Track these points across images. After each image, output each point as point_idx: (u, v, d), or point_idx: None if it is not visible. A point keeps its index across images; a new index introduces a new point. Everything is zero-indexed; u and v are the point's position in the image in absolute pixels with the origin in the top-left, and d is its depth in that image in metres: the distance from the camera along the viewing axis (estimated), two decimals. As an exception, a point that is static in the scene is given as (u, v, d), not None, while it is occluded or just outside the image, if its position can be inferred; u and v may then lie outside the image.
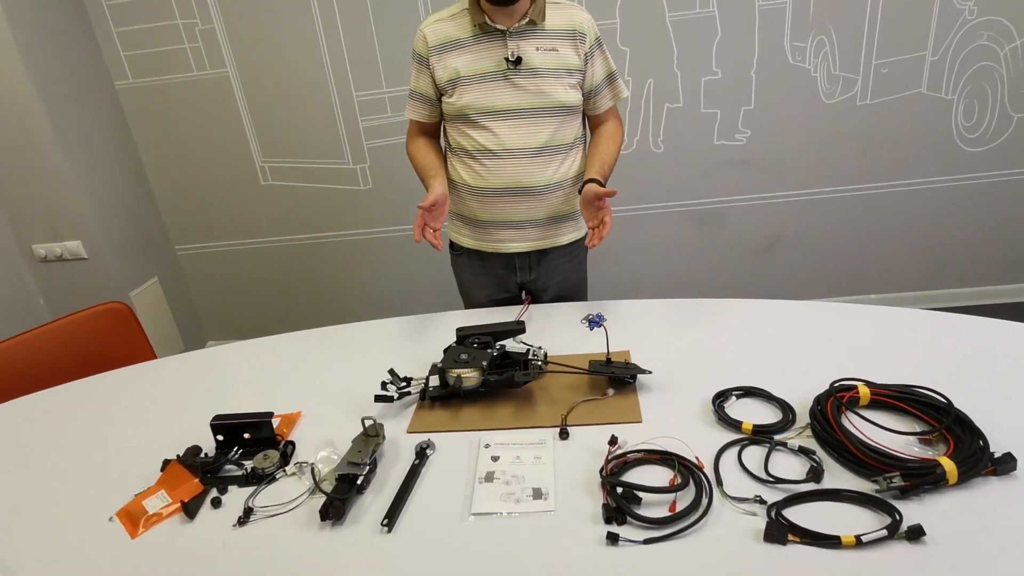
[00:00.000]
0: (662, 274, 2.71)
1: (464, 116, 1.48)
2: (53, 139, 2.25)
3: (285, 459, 1.09)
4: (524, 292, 1.73)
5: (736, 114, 2.41)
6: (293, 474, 1.06)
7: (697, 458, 0.98)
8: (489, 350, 1.22)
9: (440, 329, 1.49)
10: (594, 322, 1.13)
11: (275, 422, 1.17)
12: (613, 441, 1.01)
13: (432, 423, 1.15)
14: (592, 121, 1.60)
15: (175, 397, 1.35)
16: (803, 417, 1.05)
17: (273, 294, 2.91)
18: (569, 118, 1.50)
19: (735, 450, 1.00)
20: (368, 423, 1.08)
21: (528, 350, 1.25)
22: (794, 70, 2.32)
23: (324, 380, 1.34)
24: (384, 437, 1.08)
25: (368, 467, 1.01)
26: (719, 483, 0.93)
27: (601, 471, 0.96)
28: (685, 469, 0.96)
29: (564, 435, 1.07)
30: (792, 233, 2.60)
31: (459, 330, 1.29)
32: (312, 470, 1.01)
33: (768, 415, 1.07)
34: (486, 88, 1.46)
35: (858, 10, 2.26)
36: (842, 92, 2.33)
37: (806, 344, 1.26)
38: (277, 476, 1.06)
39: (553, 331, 1.43)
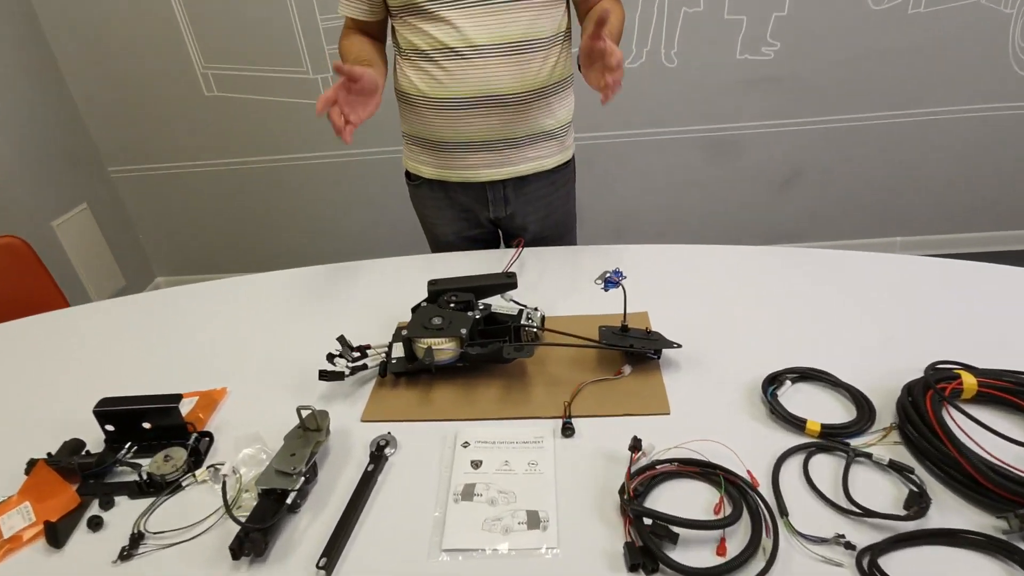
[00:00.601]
0: (663, 210, 2.41)
1: (415, 6, 1.14)
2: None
3: (198, 458, 0.82)
4: (502, 235, 1.43)
5: (766, 22, 2.05)
6: (206, 481, 0.79)
7: (749, 472, 0.72)
8: (471, 312, 0.94)
9: (409, 278, 1.20)
10: (611, 282, 0.84)
11: (188, 404, 0.89)
12: (636, 446, 0.75)
13: (394, 409, 0.88)
14: (580, 7, 1.27)
15: (63, 367, 1.06)
16: (884, 414, 0.79)
17: (225, 225, 2.58)
18: (550, 3, 1.16)
19: (798, 460, 0.74)
20: (306, 413, 0.80)
21: (521, 312, 0.97)
22: (839, -31, 1.96)
23: (260, 343, 1.06)
24: (328, 432, 0.81)
25: (304, 477, 0.74)
26: (782, 512, 0.68)
27: (622, 492, 0.70)
28: (734, 488, 0.70)
29: (568, 431, 0.81)
30: (816, 165, 2.30)
31: (432, 284, 1.00)
32: (224, 483, 0.74)
33: (837, 409, 0.81)
34: None
35: None
36: (891, -2, 1.99)
37: (877, 310, 0.99)
38: (184, 484, 0.79)
39: (547, 284, 1.15)
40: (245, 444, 0.82)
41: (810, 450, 0.75)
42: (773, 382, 0.84)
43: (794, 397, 0.83)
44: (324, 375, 0.90)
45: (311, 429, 0.80)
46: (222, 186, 2.48)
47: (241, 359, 1.02)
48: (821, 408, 0.81)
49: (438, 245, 1.43)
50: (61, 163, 2.23)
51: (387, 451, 0.81)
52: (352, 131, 1.06)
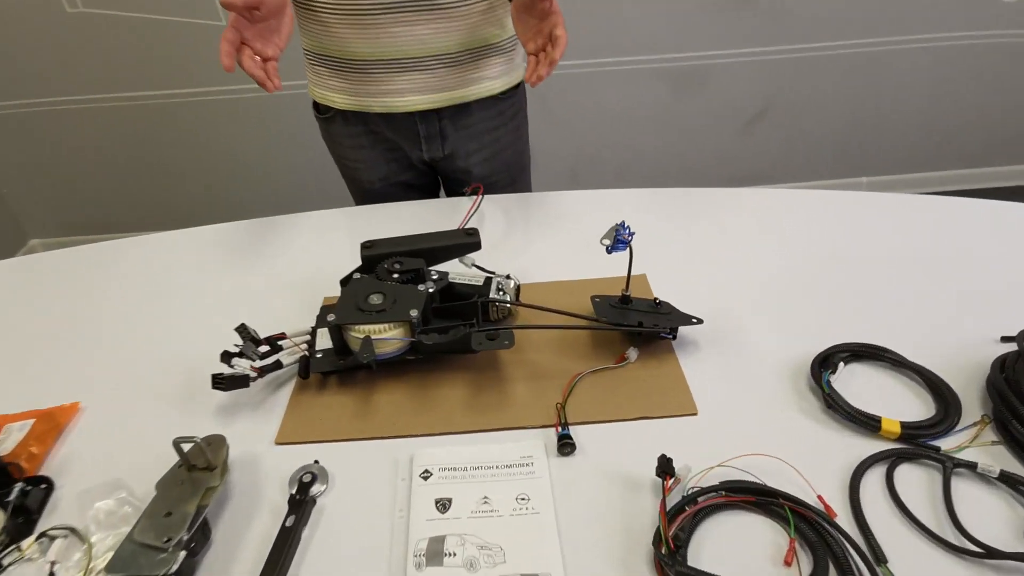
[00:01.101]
0: (623, 149, 2.19)
1: None
2: None
3: (27, 520, 0.56)
4: (442, 182, 1.18)
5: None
6: (33, 559, 0.53)
7: (821, 499, 0.53)
8: (422, 286, 0.69)
9: (335, 240, 0.94)
10: (622, 242, 0.61)
11: (14, 432, 0.62)
12: (667, 469, 0.54)
13: (321, 424, 0.64)
14: None
15: None
16: (967, 403, 0.61)
17: (108, 175, 2.18)
18: None
19: (879, 475, 0.56)
20: (188, 447, 0.55)
21: (488, 281, 0.73)
22: None
23: (135, 336, 0.78)
24: (226, 468, 0.56)
25: (184, 551, 0.49)
26: (879, 558, 0.49)
27: (658, 541, 0.49)
28: (807, 524, 0.51)
29: (567, 447, 0.59)
30: (785, 100, 2.12)
31: (366, 247, 0.74)
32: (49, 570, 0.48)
33: (908, 399, 0.63)
34: None
35: None
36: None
37: (940, 266, 0.81)
38: (4, 562, 0.53)
39: (514, 242, 0.91)
40: (101, 495, 0.56)
41: (892, 460, 0.56)
42: (825, 365, 0.65)
43: (849, 384, 0.64)
44: (219, 382, 0.64)
45: (198, 468, 0.55)
46: (99, 126, 2.06)
47: (104, 359, 0.74)
48: (888, 398, 0.63)
49: (363, 195, 1.15)
50: None
51: (314, 491, 0.57)
52: (276, 70, 0.81)
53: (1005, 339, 0.68)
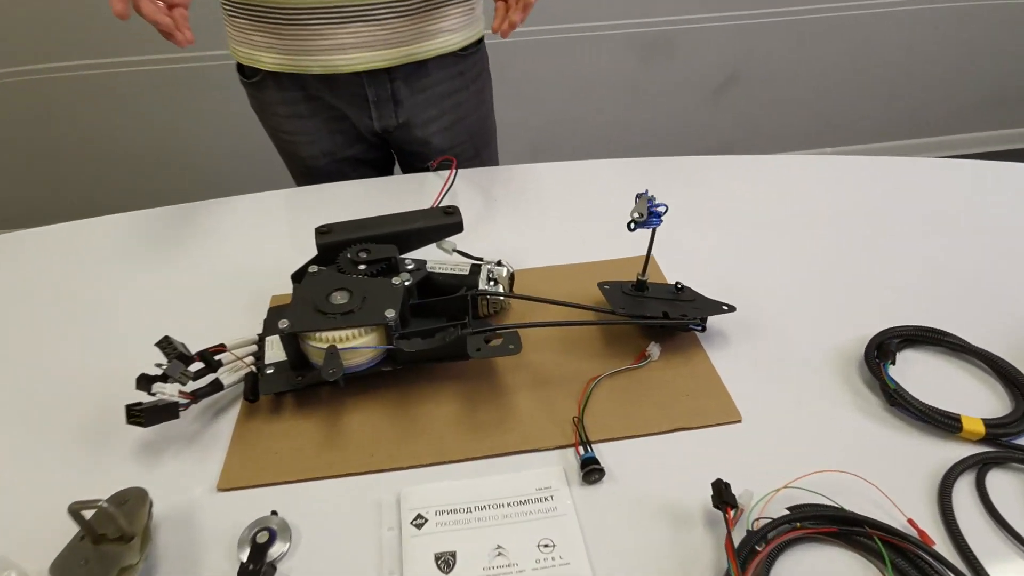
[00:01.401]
0: (588, 120, 2.07)
1: None
2: None
3: None
4: (396, 156, 1.04)
5: None
6: None
7: (912, 523, 0.43)
8: (398, 278, 0.56)
9: (277, 226, 0.79)
10: (655, 216, 0.49)
11: None
12: (728, 498, 0.43)
13: (274, 463, 0.50)
14: None
15: None
16: (1044, 389, 0.53)
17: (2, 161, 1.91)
18: None
19: (967, 486, 0.47)
20: (90, 514, 0.40)
21: (477, 269, 0.60)
22: None
23: (25, 357, 0.61)
24: (148, 536, 0.42)
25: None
26: (996, 595, 0.40)
27: (733, 601, 0.38)
28: (902, 558, 0.41)
29: (594, 473, 0.47)
30: (753, 66, 2.05)
31: (321, 232, 0.60)
32: None
33: (977, 390, 0.54)
34: None
35: None
36: None
37: (993, 238, 0.73)
38: None
39: (497, 222, 0.78)
40: (-27, 580, 0.41)
41: (980, 466, 0.47)
42: (882, 354, 0.55)
43: (906, 375, 0.55)
44: (137, 415, 0.49)
45: (108, 539, 0.40)
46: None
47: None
48: (953, 391, 0.54)
49: (305, 175, 0.99)
50: None
51: (273, 553, 0.43)
52: (186, 19, 0.66)
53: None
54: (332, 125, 0.93)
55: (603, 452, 0.49)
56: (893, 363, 0.55)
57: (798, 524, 0.43)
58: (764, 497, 0.44)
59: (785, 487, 0.45)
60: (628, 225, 0.50)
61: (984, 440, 0.49)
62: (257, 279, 0.67)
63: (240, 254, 0.73)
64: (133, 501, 0.42)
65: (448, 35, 0.89)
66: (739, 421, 0.52)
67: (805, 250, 0.71)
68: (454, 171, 0.82)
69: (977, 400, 0.53)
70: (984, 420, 0.49)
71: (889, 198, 0.79)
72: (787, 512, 0.43)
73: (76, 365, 0.59)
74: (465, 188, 0.85)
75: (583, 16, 1.85)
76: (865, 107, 2.22)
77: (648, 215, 0.49)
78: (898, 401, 0.51)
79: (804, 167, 0.86)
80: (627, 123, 2.08)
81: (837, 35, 2.03)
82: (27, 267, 0.73)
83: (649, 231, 0.54)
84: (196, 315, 0.64)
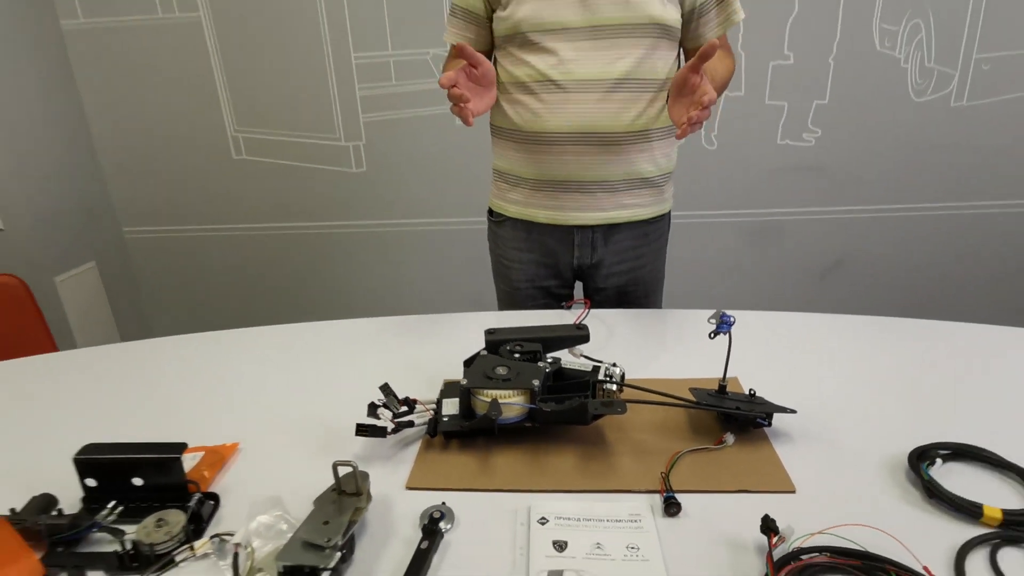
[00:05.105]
0: (702, 295, 2.30)
1: (520, 36, 1.09)
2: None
3: (198, 526, 0.65)
4: (583, 287, 1.31)
5: (807, 109, 2.04)
6: (207, 555, 0.61)
7: (927, 570, 0.55)
8: (540, 363, 0.79)
9: (455, 334, 1.06)
10: (727, 323, 0.70)
11: (190, 460, 0.73)
12: (771, 526, 0.58)
13: (446, 475, 0.71)
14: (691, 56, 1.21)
15: (44, 413, 0.89)
16: (1073, 501, 0.63)
17: (239, 293, 2.46)
18: (662, 43, 1.09)
19: (983, 556, 0.57)
20: (344, 471, 0.64)
21: (598, 368, 0.82)
22: (881, 59, 1.96)
23: (282, 396, 0.90)
24: (370, 497, 0.64)
25: (340, 551, 0.57)
26: (991, 626, 0.50)
27: (767, 588, 0.53)
28: (913, 591, 0.53)
29: (673, 508, 0.64)
30: (858, 255, 2.21)
31: (490, 333, 0.86)
32: (235, 558, 0.57)
33: (1008, 494, 0.65)
34: None
35: (962, -10, 1.92)
36: (935, 89, 1.98)
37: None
38: (178, 558, 0.61)
39: (617, 343, 1.01)
40: (261, 510, 0.65)
41: (995, 543, 0.58)
42: (923, 458, 0.68)
43: (948, 478, 0.67)
44: (363, 430, 0.74)
45: (348, 493, 0.63)
46: (239, 252, 2.38)
47: (257, 413, 0.86)
48: (986, 492, 0.65)
49: (509, 293, 1.31)
50: (75, 218, 2.14)
51: (442, 525, 0.64)
52: (472, 115, 0.99)
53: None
54: (541, 259, 1.25)
55: (681, 498, 0.66)
56: (931, 464, 0.67)
57: (826, 552, 0.56)
58: (803, 535, 0.58)
59: (821, 532, 0.59)
60: (709, 335, 0.71)
61: (1003, 525, 0.60)
62: (438, 367, 0.93)
63: (429, 350, 1.01)
64: (362, 475, 0.65)
65: (638, 209, 1.20)
66: (793, 491, 0.66)
67: (862, 380, 0.85)
68: (587, 309, 1.07)
69: (1007, 500, 0.63)
70: (1004, 509, 0.60)
71: (946, 356, 0.92)
72: (821, 547, 0.57)
73: (326, 405, 0.86)
74: (605, 322, 1.09)
75: (697, 205, 2.17)
76: (974, 295, 2.25)
77: (720, 324, 0.69)
78: (932, 491, 0.63)
79: (893, 330, 1.02)
80: (730, 298, 2.28)
81: (938, 228, 2.15)
82: (299, 348, 1.05)
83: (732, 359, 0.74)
84: (400, 382, 0.90)
